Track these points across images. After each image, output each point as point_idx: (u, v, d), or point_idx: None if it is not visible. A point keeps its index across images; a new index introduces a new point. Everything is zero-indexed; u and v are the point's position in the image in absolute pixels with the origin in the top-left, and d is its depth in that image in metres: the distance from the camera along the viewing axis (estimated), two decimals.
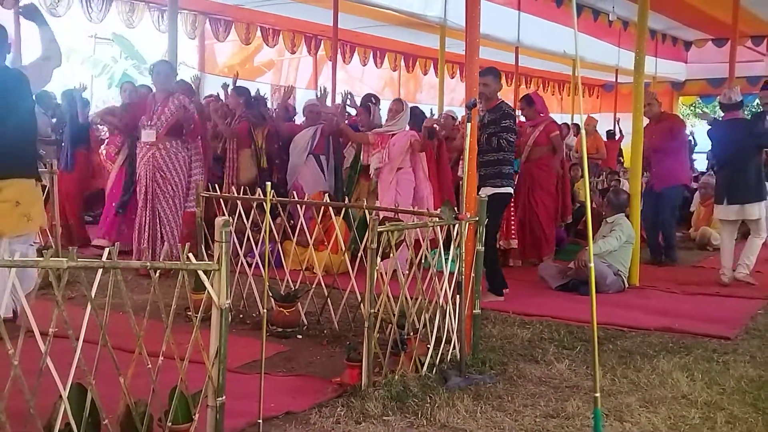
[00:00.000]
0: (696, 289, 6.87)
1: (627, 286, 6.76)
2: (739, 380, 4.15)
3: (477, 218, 4.40)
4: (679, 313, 5.82)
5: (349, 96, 8.37)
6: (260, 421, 3.18)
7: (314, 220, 5.66)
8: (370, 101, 8.39)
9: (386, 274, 4.04)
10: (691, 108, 27.08)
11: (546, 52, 12.56)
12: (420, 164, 7.42)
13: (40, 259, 2.60)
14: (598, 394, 2.82)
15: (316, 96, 8.50)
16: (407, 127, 7.52)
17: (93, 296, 2.69)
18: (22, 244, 4.54)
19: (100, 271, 2.68)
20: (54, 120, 9.03)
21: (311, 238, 5.32)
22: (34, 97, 4.72)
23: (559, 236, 8.57)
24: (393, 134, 7.35)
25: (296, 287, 5.24)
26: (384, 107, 8.42)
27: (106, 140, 8.34)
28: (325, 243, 5.67)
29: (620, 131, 15.84)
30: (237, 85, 8.39)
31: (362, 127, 7.96)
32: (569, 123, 14.14)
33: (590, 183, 10.11)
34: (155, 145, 6.73)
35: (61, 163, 8.13)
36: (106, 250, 2.71)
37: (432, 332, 4.16)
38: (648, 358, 4.55)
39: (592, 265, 2.77)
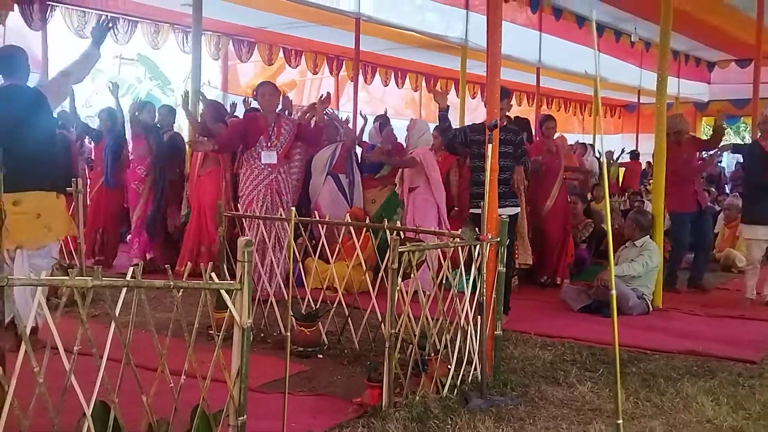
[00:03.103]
0: (721, 311, 6.78)
1: (651, 309, 6.68)
2: (765, 405, 4.08)
3: (498, 239, 4.39)
4: (703, 336, 5.74)
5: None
6: None
7: (336, 240, 5.66)
8: (383, 121, 8.45)
9: (407, 294, 4.04)
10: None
11: (567, 73, 12.57)
12: (437, 183, 7.13)
13: (66, 278, 2.63)
14: (620, 421, 2.78)
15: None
16: (422, 146, 7.20)
17: (117, 314, 2.71)
18: (43, 258, 4.62)
19: (124, 289, 2.70)
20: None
21: (333, 256, 5.33)
22: (55, 114, 4.88)
23: (581, 257, 8.53)
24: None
25: (317, 306, 5.24)
26: (398, 127, 8.44)
27: (132, 159, 8.28)
28: (346, 261, 5.66)
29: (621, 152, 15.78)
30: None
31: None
32: (585, 143, 14.13)
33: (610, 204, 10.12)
34: (276, 168, 6.69)
35: (104, 179, 8.29)
36: (130, 269, 2.74)
37: (453, 353, 4.14)
38: (672, 382, 4.49)
39: (613, 291, 2.73)
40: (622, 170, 15.73)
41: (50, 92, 4.74)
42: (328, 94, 7.34)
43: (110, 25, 5.33)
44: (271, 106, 6.79)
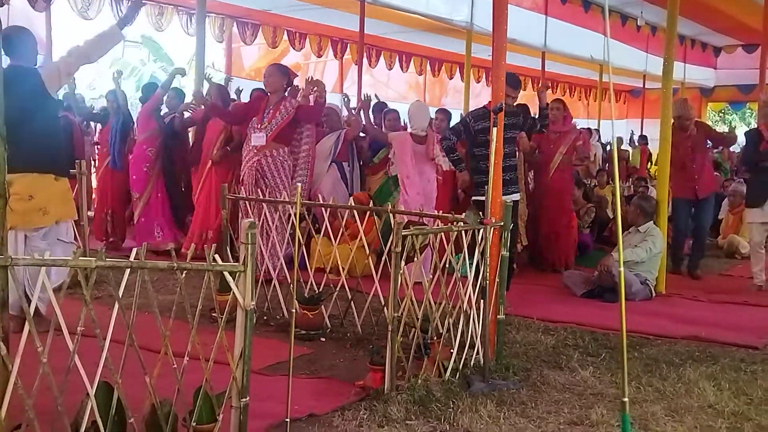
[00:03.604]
0: (724, 297, 6.78)
1: (654, 294, 6.69)
2: (767, 391, 4.09)
3: (502, 223, 4.38)
4: (706, 321, 5.75)
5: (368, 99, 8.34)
6: (288, 420, 3.20)
7: (339, 225, 5.67)
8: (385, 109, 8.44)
9: (410, 278, 4.04)
10: (720, 114, 26.83)
11: (573, 57, 12.50)
12: (401, 167, 7.04)
13: (69, 258, 2.63)
14: (626, 399, 2.78)
15: (342, 101, 8.50)
16: (412, 129, 7.14)
17: (120, 296, 2.72)
18: (42, 240, 4.62)
19: (128, 271, 2.71)
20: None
21: (335, 240, 5.33)
22: (56, 96, 4.75)
23: (584, 242, 8.53)
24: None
25: (320, 290, 5.25)
26: (402, 111, 8.44)
27: (140, 139, 8.05)
28: (349, 245, 5.66)
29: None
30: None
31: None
32: (591, 128, 14.08)
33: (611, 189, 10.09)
34: (262, 151, 6.58)
35: (110, 160, 8.24)
36: (134, 250, 2.74)
37: (455, 337, 4.15)
38: (674, 367, 4.50)
39: (622, 269, 2.74)
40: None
41: (50, 72, 4.62)
42: (317, 81, 7.11)
43: (141, 3, 5.22)
44: (271, 86, 6.72)
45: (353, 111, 8.37)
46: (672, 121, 7.15)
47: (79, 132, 8.57)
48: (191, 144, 7.93)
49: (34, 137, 4.46)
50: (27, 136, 4.39)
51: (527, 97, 14.56)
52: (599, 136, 14.12)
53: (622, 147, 14.80)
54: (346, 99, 8.70)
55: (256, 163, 6.62)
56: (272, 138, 6.61)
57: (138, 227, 7.97)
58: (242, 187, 6.60)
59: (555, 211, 7.88)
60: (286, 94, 6.87)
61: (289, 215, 5.72)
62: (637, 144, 15.56)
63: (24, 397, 2.54)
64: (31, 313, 2.58)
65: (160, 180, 7.96)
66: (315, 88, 6.71)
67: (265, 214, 5.90)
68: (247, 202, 6.10)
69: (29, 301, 2.67)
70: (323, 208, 5.94)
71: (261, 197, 6.12)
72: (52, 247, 4.59)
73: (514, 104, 6.38)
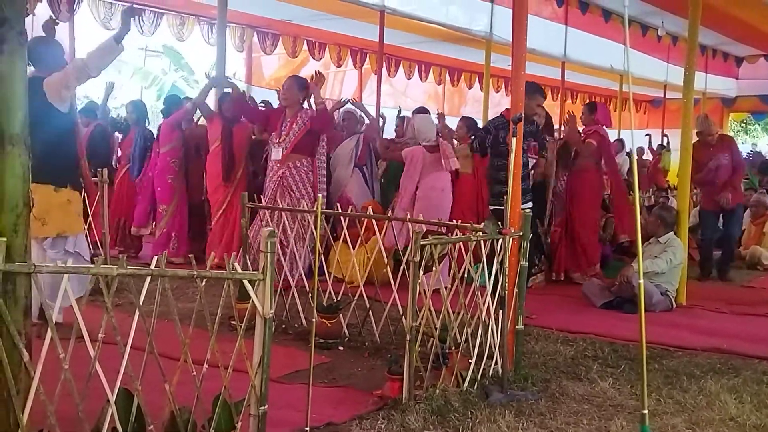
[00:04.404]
0: (746, 309, 6.72)
1: (675, 306, 6.63)
2: None
3: (521, 233, 4.37)
4: (727, 333, 5.69)
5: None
6: (307, 428, 3.21)
7: (356, 229, 5.69)
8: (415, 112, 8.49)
9: (428, 287, 4.04)
10: (742, 125, 26.59)
11: (593, 67, 12.45)
12: (412, 180, 7.05)
13: (91, 266, 2.66)
14: (645, 411, 2.76)
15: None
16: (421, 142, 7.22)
17: (141, 303, 2.74)
18: (51, 249, 4.68)
19: (148, 278, 2.73)
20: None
21: (354, 249, 5.34)
22: (64, 108, 4.66)
23: (603, 253, 8.46)
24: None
25: (338, 299, 5.26)
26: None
27: (163, 150, 8.02)
28: (366, 247, 5.67)
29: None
30: None
31: (398, 137, 8.08)
32: (623, 139, 14.01)
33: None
34: (284, 164, 6.64)
35: (133, 171, 8.32)
36: (154, 258, 2.77)
37: (474, 347, 4.14)
38: (695, 379, 4.45)
39: (641, 280, 2.73)
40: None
41: (52, 82, 4.54)
42: (319, 73, 7.02)
43: (134, 13, 5.10)
44: (287, 101, 6.78)
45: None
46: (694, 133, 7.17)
47: (114, 142, 8.65)
48: (221, 157, 7.80)
49: (33, 147, 4.42)
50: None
51: (547, 106, 14.51)
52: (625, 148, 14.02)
53: (644, 156, 14.66)
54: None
55: (281, 176, 6.66)
56: (291, 150, 6.64)
57: (159, 238, 7.95)
58: (264, 198, 6.61)
59: (570, 215, 7.84)
60: (305, 106, 6.91)
61: (309, 224, 5.75)
62: (662, 149, 15.34)
63: (46, 403, 2.57)
64: (54, 321, 2.61)
65: (182, 191, 8.01)
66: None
67: (286, 223, 5.92)
68: (265, 210, 6.13)
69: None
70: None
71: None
72: (65, 257, 4.61)
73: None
